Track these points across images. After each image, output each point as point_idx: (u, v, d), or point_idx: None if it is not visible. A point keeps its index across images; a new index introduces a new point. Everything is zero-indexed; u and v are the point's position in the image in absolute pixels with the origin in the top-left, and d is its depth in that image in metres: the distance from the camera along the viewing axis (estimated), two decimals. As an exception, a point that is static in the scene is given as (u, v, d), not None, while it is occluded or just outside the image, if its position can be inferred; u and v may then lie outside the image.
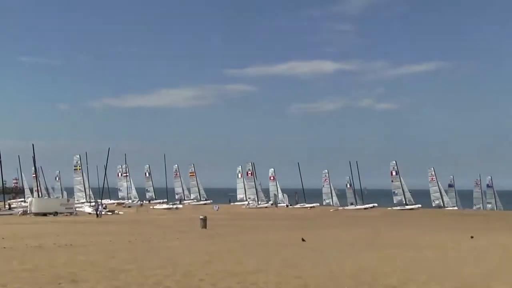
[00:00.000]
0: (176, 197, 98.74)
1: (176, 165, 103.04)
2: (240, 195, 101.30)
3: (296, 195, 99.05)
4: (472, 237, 28.91)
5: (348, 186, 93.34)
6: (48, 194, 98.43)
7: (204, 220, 37.65)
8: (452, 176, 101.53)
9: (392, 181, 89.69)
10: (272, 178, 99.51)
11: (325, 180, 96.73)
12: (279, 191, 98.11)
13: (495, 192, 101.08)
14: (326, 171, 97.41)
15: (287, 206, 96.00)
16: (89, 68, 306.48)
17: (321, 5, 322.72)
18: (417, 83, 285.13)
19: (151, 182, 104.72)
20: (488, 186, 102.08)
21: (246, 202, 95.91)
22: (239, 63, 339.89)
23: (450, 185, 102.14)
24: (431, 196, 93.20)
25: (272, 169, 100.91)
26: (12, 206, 71.87)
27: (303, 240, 26.08)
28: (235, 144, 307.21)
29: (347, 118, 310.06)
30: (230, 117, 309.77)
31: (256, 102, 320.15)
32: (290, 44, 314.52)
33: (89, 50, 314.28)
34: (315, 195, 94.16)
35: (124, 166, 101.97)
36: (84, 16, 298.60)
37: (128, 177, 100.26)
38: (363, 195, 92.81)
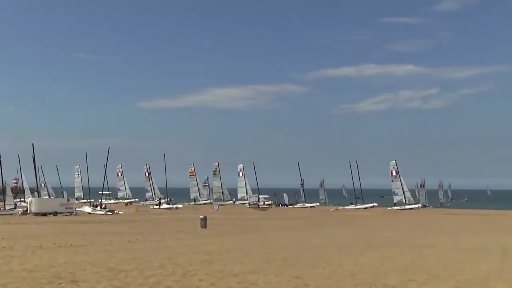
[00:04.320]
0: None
1: (242, 165, 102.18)
2: (240, 194, 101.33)
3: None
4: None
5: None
6: (48, 194, 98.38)
7: (204, 220, 37.66)
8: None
9: (392, 180, 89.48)
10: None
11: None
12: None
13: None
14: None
15: (287, 205, 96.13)
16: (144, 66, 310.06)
17: (409, 9, 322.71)
18: (474, 85, 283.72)
19: (150, 182, 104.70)
20: None
21: (247, 202, 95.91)
22: (304, 66, 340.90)
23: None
24: None
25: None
26: (17, 204, 72.28)
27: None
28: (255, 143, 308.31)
29: (391, 117, 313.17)
30: (285, 118, 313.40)
31: (306, 103, 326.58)
32: (371, 47, 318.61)
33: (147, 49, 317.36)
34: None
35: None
36: (142, 15, 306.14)
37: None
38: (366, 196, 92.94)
